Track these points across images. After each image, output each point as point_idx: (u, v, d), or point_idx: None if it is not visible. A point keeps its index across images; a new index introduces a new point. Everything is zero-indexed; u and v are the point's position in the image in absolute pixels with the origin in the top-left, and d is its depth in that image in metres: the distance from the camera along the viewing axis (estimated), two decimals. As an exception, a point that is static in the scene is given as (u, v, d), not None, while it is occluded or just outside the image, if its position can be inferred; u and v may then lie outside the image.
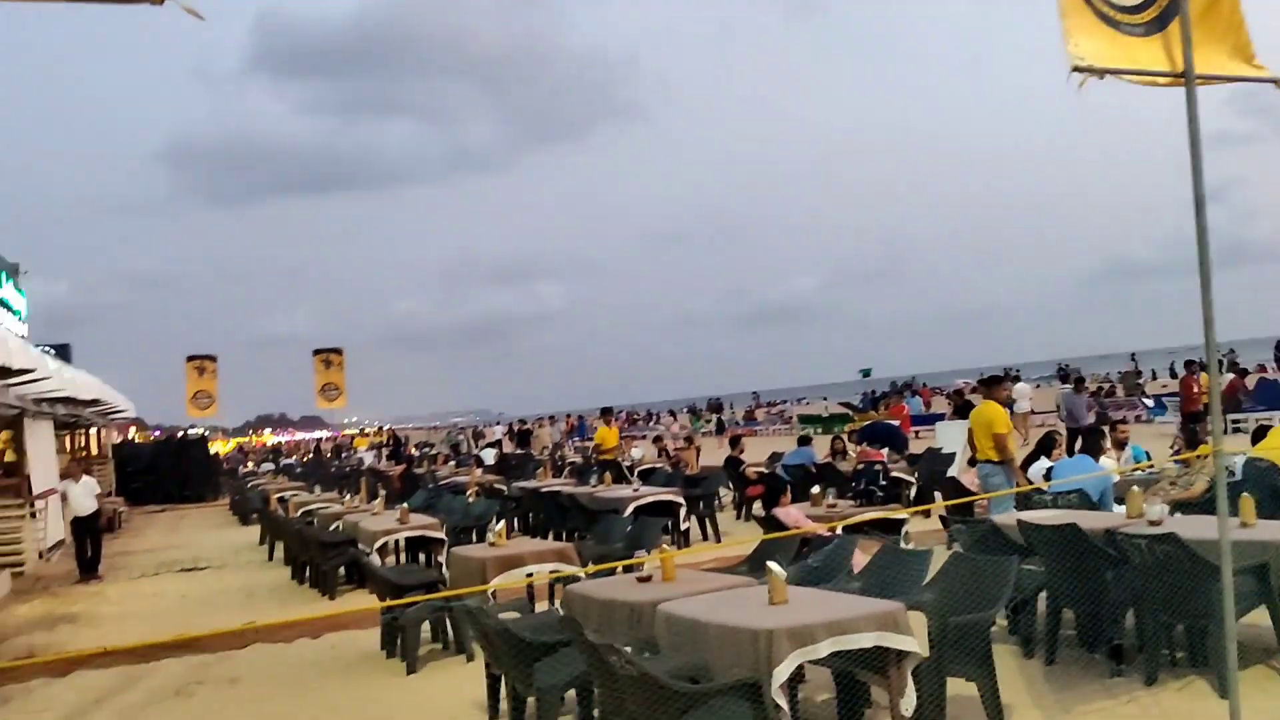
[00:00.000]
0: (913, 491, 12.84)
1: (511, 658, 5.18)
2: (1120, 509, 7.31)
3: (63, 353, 31.88)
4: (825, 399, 55.97)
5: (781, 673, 4.04)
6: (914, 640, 4.30)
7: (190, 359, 34.19)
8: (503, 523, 8.34)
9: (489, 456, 24.34)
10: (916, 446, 18.23)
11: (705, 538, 12.54)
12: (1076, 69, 3.64)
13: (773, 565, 4.69)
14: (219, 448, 59.20)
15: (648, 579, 5.58)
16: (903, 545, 8.20)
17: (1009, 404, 9.82)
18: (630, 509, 11.13)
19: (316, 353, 35.19)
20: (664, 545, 6.02)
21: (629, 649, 4.98)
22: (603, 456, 15.90)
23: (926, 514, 10.98)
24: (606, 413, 17.66)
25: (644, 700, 4.00)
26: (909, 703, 4.30)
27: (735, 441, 15.93)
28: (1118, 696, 5.23)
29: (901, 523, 8.51)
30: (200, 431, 39.25)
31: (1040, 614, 6.09)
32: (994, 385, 9.61)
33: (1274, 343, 39.03)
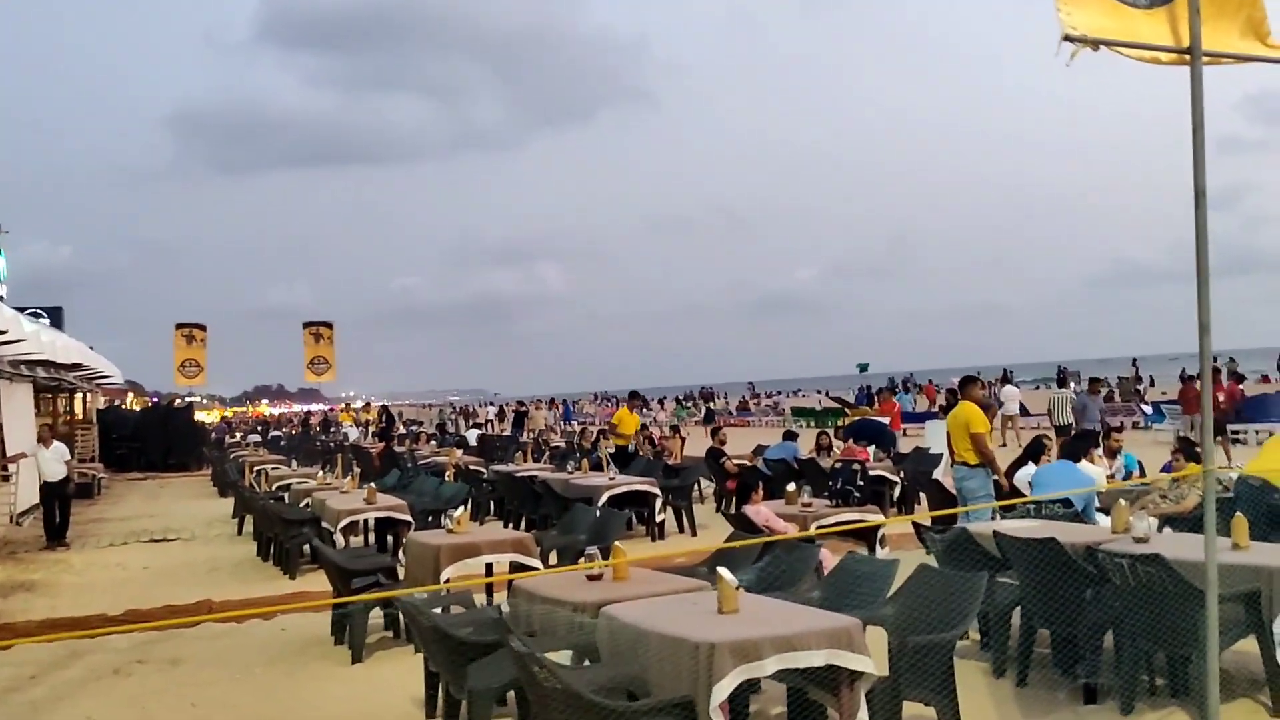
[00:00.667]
0: (896, 491, 12.53)
1: (444, 656, 4.85)
2: (1105, 520, 6.99)
3: (54, 316, 31.59)
4: (820, 392, 55.76)
5: (721, 690, 3.71)
6: (868, 660, 3.98)
7: (179, 326, 33.61)
8: (463, 509, 7.99)
9: (473, 437, 24.07)
10: (907, 445, 17.93)
11: (681, 530, 12.24)
12: (1068, 38, 3.26)
13: (723, 572, 4.36)
14: (209, 417, 58.96)
15: (598, 577, 5.24)
16: (879, 549, 7.90)
17: (985, 404, 9.71)
18: (604, 498, 10.83)
19: (306, 325, 34.58)
20: (616, 543, 5.66)
21: (568, 654, 4.66)
22: (619, 441, 15.41)
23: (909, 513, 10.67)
24: (634, 397, 17.17)
25: (569, 715, 3.67)
26: (861, 726, 3.98)
27: (716, 431, 15.53)
28: (1090, 726, 4.90)
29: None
30: (191, 399, 38.91)
31: (1014, 631, 5.75)
32: (969, 385, 9.64)
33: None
